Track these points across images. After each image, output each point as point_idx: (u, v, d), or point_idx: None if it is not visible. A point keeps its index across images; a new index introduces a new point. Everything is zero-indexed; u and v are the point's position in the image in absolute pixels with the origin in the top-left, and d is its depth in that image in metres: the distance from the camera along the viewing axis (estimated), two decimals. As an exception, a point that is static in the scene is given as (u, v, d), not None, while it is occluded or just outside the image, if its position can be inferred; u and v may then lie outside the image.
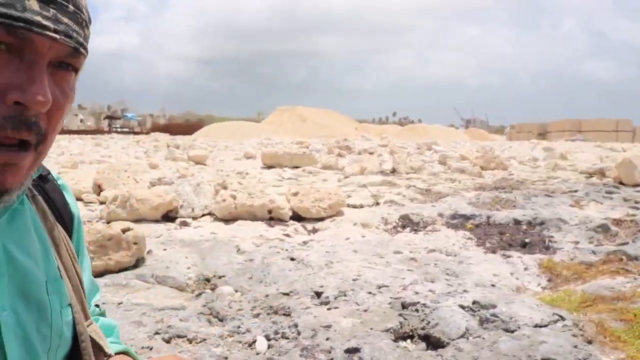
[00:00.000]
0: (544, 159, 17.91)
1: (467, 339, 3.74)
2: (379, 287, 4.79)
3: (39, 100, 0.69)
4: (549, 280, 5.24)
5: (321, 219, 7.46)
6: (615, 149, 21.95)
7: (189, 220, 7.34)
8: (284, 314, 4.27)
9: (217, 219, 7.40)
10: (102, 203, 8.01)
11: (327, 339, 3.72)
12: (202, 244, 6.15)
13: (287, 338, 3.87)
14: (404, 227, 7.18)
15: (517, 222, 7.11)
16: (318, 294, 4.69)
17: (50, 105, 0.71)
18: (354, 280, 4.97)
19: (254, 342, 3.84)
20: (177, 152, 15.82)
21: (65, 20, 0.71)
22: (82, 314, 0.92)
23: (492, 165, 14.51)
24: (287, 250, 6.00)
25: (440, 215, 7.46)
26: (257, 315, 4.31)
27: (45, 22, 0.68)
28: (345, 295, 4.60)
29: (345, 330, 3.84)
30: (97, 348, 0.93)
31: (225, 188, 7.73)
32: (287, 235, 6.85)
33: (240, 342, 3.87)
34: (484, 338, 3.74)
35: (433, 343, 3.79)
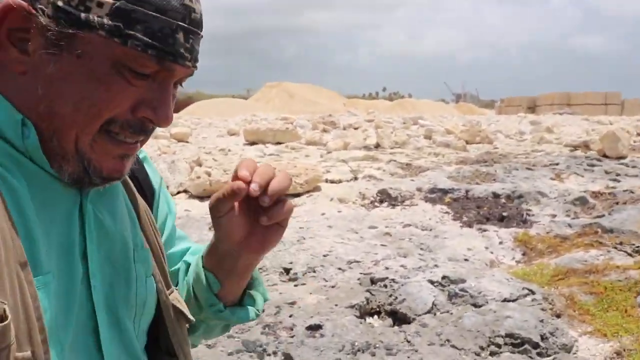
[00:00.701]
0: (530, 133, 17.84)
1: (435, 314, 3.68)
2: (350, 263, 4.71)
3: (168, 121, 0.78)
4: (523, 254, 5.18)
5: (298, 195, 7.35)
6: (602, 122, 21.88)
7: (164, 197, 7.22)
8: (250, 292, 4.18)
9: (192, 196, 7.28)
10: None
11: (291, 316, 3.64)
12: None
13: (252, 316, 3.79)
14: (381, 201, 7.09)
15: (496, 196, 7.03)
16: (287, 270, 4.61)
17: None
18: (324, 256, 4.89)
19: (218, 320, 3.77)
20: (159, 130, 15.59)
21: (197, 47, 0.78)
22: (164, 283, 0.94)
23: (477, 139, 14.41)
24: (260, 226, 5.90)
25: (419, 189, 7.37)
26: (223, 293, 4.23)
27: (186, 54, 0.75)
28: (314, 272, 4.52)
29: (309, 307, 3.76)
30: (180, 314, 0.94)
31: (200, 165, 7.59)
32: (263, 211, 6.75)
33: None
34: (451, 313, 3.68)
35: (400, 319, 3.72)
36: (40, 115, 0.75)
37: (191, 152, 12.41)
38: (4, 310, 0.64)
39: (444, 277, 4.15)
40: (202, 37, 0.80)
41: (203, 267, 0.96)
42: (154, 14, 0.72)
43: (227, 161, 7.78)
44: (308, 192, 7.43)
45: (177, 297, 0.96)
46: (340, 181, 8.10)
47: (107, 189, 0.86)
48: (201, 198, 7.15)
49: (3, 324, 0.64)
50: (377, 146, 13.04)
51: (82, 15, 0.71)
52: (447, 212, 6.43)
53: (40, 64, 0.73)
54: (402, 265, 4.61)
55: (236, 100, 49.67)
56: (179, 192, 7.46)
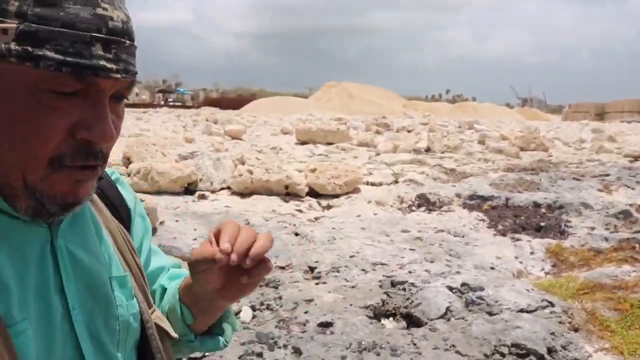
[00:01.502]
0: (590, 141, 17.30)
1: (449, 320, 3.72)
2: (375, 265, 4.79)
3: (106, 138, 0.75)
4: (553, 266, 5.11)
5: (337, 196, 7.47)
6: (671, 133, 20.95)
7: (207, 193, 7.48)
8: (273, 287, 4.33)
9: (234, 193, 7.51)
10: (128, 175, 8.25)
11: (306, 312, 3.77)
12: (213, 217, 6.28)
13: (271, 309, 3.94)
14: (419, 206, 7.12)
15: (537, 205, 6.93)
16: (312, 269, 4.73)
17: None
18: (351, 257, 4.99)
19: (240, 311, 3.93)
20: (214, 127, 16.06)
21: (124, 56, 0.74)
22: (146, 302, 0.96)
23: (532, 146, 14.12)
24: (294, 225, 6.05)
25: (458, 195, 7.34)
26: (249, 287, 4.39)
27: (108, 65, 0.72)
28: (337, 272, 4.63)
29: (325, 305, 3.87)
30: (163, 333, 0.97)
31: (243, 163, 7.82)
32: (300, 210, 6.90)
33: (226, 312, 3.96)
34: (466, 320, 3.71)
35: (414, 322, 3.78)
36: None
37: (243, 149, 12.74)
38: None
39: (463, 284, 4.18)
40: (130, 44, 0.76)
41: (179, 299, 1.02)
42: (61, 29, 0.68)
43: (269, 160, 7.98)
44: (347, 193, 7.54)
45: (158, 316, 0.99)
46: (380, 184, 8.17)
47: (76, 220, 0.87)
48: (242, 195, 7.38)
49: None
50: (428, 150, 12.99)
51: None
52: (482, 220, 6.40)
53: None
54: (426, 270, 4.66)
55: (296, 99, 50.21)
56: (222, 189, 7.71)
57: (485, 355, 3.20)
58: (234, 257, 0.83)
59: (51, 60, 0.68)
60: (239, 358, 3.17)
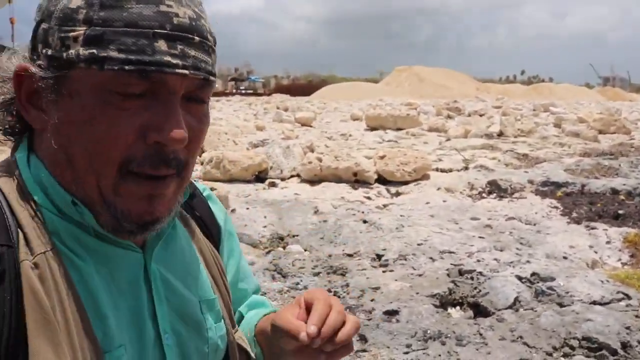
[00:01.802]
0: (679, 123, 16.32)
1: (517, 310, 3.67)
2: (442, 253, 4.78)
3: (176, 138, 0.72)
4: (631, 256, 4.91)
5: (406, 183, 7.45)
6: None
7: (278, 181, 7.64)
8: (340, 274, 4.41)
9: (303, 180, 7.63)
10: (201, 164, 8.54)
11: (372, 300, 3.82)
12: (283, 204, 6.42)
13: (339, 296, 4.02)
14: (489, 192, 6.99)
15: (615, 192, 6.65)
16: (379, 257, 4.78)
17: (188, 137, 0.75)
18: (418, 245, 4.99)
19: (308, 299, 4.03)
20: (285, 115, 16.30)
21: (192, 52, 0.72)
22: (230, 323, 0.97)
23: (612, 129, 13.48)
24: (363, 212, 6.10)
25: (531, 182, 7.16)
26: (317, 274, 4.49)
27: (174, 61, 0.70)
28: (405, 259, 4.65)
29: (391, 293, 3.91)
30: (244, 353, 0.98)
31: (312, 151, 7.93)
32: (369, 197, 6.93)
33: (294, 297, 4.07)
34: (535, 310, 3.65)
35: (481, 312, 3.75)
36: (63, 170, 0.76)
37: (313, 136, 12.88)
38: None
39: (533, 274, 4.10)
40: (200, 41, 0.74)
41: (254, 336, 1.03)
42: (125, 29, 0.69)
43: (338, 148, 8.04)
44: (416, 180, 7.51)
45: (240, 336, 0.99)
46: (450, 170, 8.07)
47: (169, 244, 0.88)
48: (311, 182, 7.49)
49: None
50: (500, 134, 12.68)
51: (64, 54, 0.71)
52: (556, 207, 6.21)
53: (50, 116, 0.74)
54: (495, 259, 4.60)
55: (366, 84, 49.97)
56: (291, 176, 7.85)
57: (554, 348, 3.15)
58: (317, 342, 0.81)
59: (115, 60, 0.68)
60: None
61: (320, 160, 7.53)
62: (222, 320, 0.95)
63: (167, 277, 0.86)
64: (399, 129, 14.06)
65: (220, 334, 0.93)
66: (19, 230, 0.72)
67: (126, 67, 0.68)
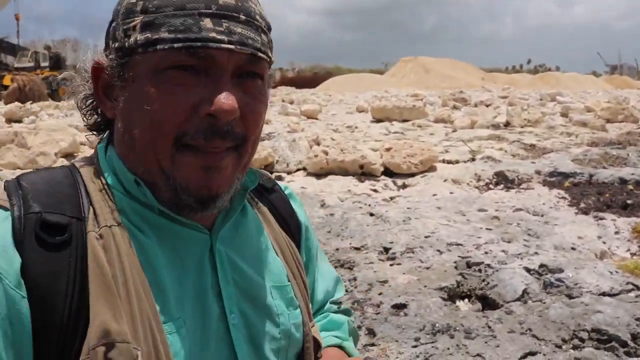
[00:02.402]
0: (687, 111, 16.16)
1: (526, 302, 3.66)
2: (450, 245, 4.76)
3: (225, 109, 0.76)
4: (640, 246, 4.89)
5: (412, 175, 7.43)
6: None
7: (284, 175, 7.64)
8: (348, 268, 4.41)
9: (309, 174, 7.63)
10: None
11: (380, 294, 3.82)
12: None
13: (346, 291, 4.02)
14: (497, 184, 6.97)
15: (623, 182, 6.61)
16: (386, 250, 4.77)
17: (240, 111, 0.79)
18: (426, 237, 4.98)
19: (315, 293, 4.04)
20: (290, 107, 16.28)
21: (239, 30, 0.77)
22: (307, 316, 0.97)
23: (620, 118, 13.39)
24: (369, 205, 6.09)
25: (538, 172, 7.12)
26: (324, 268, 4.49)
27: (219, 37, 0.75)
28: (412, 252, 4.64)
29: (399, 287, 3.91)
30: (318, 347, 0.99)
31: (318, 144, 7.92)
32: (375, 190, 6.92)
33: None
34: (544, 302, 3.64)
35: (489, 304, 3.75)
36: (128, 153, 0.83)
37: (319, 128, 12.86)
38: (138, 356, 0.72)
39: (541, 266, 4.09)
40: (247, 19, 0.79)
41: None
42: (173, 12, 0.75)
43: (344, 140, 8.03)
44: (422, 172, 7.49)
45: (316, 330, 1.01)
46: (457, 162, 8.04)
47: (239, 229, 0.92)
48: (318, 176, 7.49)
49: None
50: (507, 124, 12.62)
51: (126, 43, 0.78)
52: (563, 198, 6.18)
53: (119, 103, 0.82)
54: (503, 251, 4.59)
55: (371, 75, 49.78)
56: (297, 170, 7.85)
57: (563, 340, 3.14)
58: None
59: (165, 40, 0.75)
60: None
61: (326, 153, 7.52)
62: (299, 309, 0.95)
63: (234, 260, 0.89)
64: (404, 121, 14.02)
65: (295, 321, 0.94)
66: (90, 206, 0.80)
67: (175, 45, 0.74)
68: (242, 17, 0.78)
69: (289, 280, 0.96)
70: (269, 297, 0.91)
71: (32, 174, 0.85)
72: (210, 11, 0.75)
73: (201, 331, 0.82)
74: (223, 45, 0.75)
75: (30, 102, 20.89)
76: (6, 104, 21.82)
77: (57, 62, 35.00)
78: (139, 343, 0.73)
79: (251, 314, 0.88)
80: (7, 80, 28.57)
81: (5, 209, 0.76)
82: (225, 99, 0.76)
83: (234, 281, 0.87)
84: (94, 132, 0.92)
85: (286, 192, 1.09)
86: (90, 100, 0.89)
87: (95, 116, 0.90)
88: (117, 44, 0.79)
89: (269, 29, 0.85)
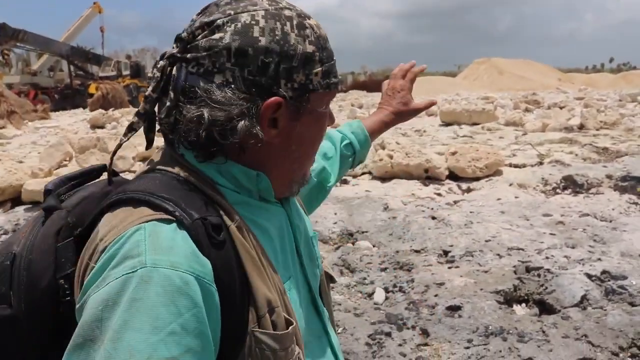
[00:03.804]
0: None
1: (584, 309, 3.63)
2: (510, 250, 4.75)
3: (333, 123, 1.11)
4: None
5: (477, 179, 7.38)
6: None
7: (349, 178, 7.77)
8: (407, 270, 4.50)
9: (374, 177, 7.72)
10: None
11: (435, 295, 3.89)
12: (353, 201, 6.55)
13: (403, 292, 4.11)
14: (564, 188, 6.81)
15: (702, 187, 6.31)
16: (445, 253, 4.82)
17: None
18: (486, 241, 4.98)
19: (373, 293, 4.15)
20: (359, 112, 16.37)
21: None
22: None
23: None
24: (432, 209, 6.13)
25: (609, 176, 6.91)
26: (384, 269, 4.60)
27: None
28: (471, 256, 4.67)
29: (455, 289, 3.96)
30: (329, 277, 1.26)
31: (383, 148, 7.99)
32: (439, 194, 6.93)
33: (361, 292, 4.20)
34: (604, 309, 3.59)
35: (547, 309, 3.74)
36: (276, 165, 1.02)
37: (387, 132, 12.88)
38: (281, 316, 0.92)
39: (603, 272, 4.03)
40: None
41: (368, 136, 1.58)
42: (333, 62, 1.02)
43: (410, 144, 8.07)
44: (488, 176, 7.42)
45: (325, 265, 1.25)
46: (524, 166, 7.91)
47: (292, 203, 1.14)
48: (382, 179, 7.57)
49: (293, 326, 0.92)
50: (581, 127, 12.19)
51: (310, 85, 0.97)
52: (635, 203, 5.98)
53: (290, 130, 0.99)
54: (565, 256, 4.53)
55: (443, 78, 49.06)
56: (363, 173, 7.96)
57: (621, 348, 3.11)
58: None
59: (335, 84, 1.02)
60: (369, 336, 3.39)
61: (391, 157, 7.59)
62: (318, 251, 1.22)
63: (298, 225, 1.12)
64: (474, 124, 13.81)
65: (320, 260, 1.20)
66: (214, 205, 0.93)
67: (339, 87, 1.04)
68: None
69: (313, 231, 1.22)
70: (315, 247, 1.18)
71: (142, 181, 0.93)
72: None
73: (298, 286, 1.05)
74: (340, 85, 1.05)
75: (112, 108, 22.07)
76: (91, 111, 23.13)
77: (137, 71, 36.73)
78: (278, 305, 0.92)
79: (309, 263, 1.13)
80: (92, 89, 30.19)
81: (168, 221, 0.84)
82: (333, 118, 1.11)
83: (302, 241, 1.12)
84: (203, 160, 0.97)
85: None
86: (243, 129, 0.93)
87: (209, 143, 0.93)
88: (295, 85, 0.95)
89: None
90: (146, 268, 0.77)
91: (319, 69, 0.97)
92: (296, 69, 0.94)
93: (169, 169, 0.96)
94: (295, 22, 0.95)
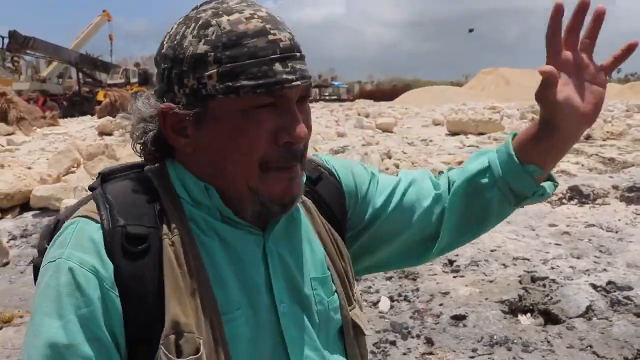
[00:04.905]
0: None
1: (590, 319, 3.63)
2: (515, 259, 4.76)
3: (302, 137, 0.90)
4: None
5: (483, 189, 7.39)
6: None
7: (355, 186, 7.80)
8: (412, 279, 4.51)
9: (380, 186, 7.74)
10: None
11: (440, 305, 3.89)
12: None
13: (408, 301, 4.12)
14: (570, 198, 6.82)
15: None
16: (451, 262, 4.82)
17: None
18: (492, 251, 4.99)
19: (378, 301, 4.16)
20: (366, 121, 16.39)
21: (298, 66, 0.89)
22: (346, 300, 1.06)
23: None
24: (437, 218, 6.14)
25: (615, 187, 6.91)
26: (389, 278, 4.61)
27: (289, 77, 0.87)
28: (476, 265, 4.67)
29: (460, 298, 3.97)
30: (357, 329, 1.08)
31: (389, 157, 8.03)
32: (445, 203, 6.94)
33: (366, 300, 4.21)
34: (609, 320, 3.59)
35: (552, 319, 3.74)
36: (215, 177, 0.94)
37: (394, 142, 12.92)
38: (200, 344, 0.85)
39: (609, 283, 4.03)
40: (300, 55, 0.91)
41: (520, 164, 1.04)
42: (248, 61, 0.86)
43: (416, 154, 8.10)
44: (494, 186, 7.42)
45: (356, 313, 1.08)
46: (530, 176, 7.91)
47: (289, 227, 1.02)
48: (388, 188, 7.59)
49: (197, 356, 0.85)
50: (587, 137, 12.19)
51: (203, 91, 0.88)
52: (641, 214, 5.99)
53: (197, 140, 0.92)
54: (570, 266, 4.53)
55: (450, 87, 49.08)
56: (368, 182, 7.99)
57: (626, 359, 3.11)
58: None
59: (247, 87, 0.86)
60: (374, 345, 3.40)
61: (397, 166, 7.63)
62: (336, 294, 1.04)
63: (283, 256, 0.99)
64: (480, 134, 13.84)
65: (333, 306, 1.04)
66: (164, 216, 0.93)
67: (257, 91, 0.86)
68: (297, 53, 0.90)
69: (328, 269, 1.06)
70: (309, 289, 1.02)
71: (116, 184, 0.99)
72: (277, 55, 0.87)
73: (256, 319, 0.94)
74: (293, 84, 0.87)
75: (121, 116, 22.11)
76: (99, 118, 23.27)
77: (145, 78, 36.87)
78: (201, 333, 0.86)
79: (296, 304, 0.99)
80: (100, 96, 30.35)
81: (97, 221, 0.91)
82: (301, 128, 0.89)
83: (283, 275, 0.98)
84: (149, 163, 1.03)
85: (329, 165, 1.17)
86: (152, 137, 0.98)
87: (152, 149, 0.99)
88: (187, 90, 0.89)
89: None
90: (62, 260, 0.87)
91: (213, 71, 0.87)
92: (186, 73, 0.89)
93: (148, 173, 1.00)
94: (200, 22, 0.89)
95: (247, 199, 0.93)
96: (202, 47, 0.87)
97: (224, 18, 0.88)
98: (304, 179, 1.02)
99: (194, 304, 0.88)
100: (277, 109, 0.89)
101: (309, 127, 0.95)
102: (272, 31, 0.88)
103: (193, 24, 0.89)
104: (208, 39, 0.87)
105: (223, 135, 0.90)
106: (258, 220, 0.96)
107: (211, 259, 0.93)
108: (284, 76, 0.87)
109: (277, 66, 0.86)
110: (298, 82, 0.88)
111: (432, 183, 1.19)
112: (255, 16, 0.89)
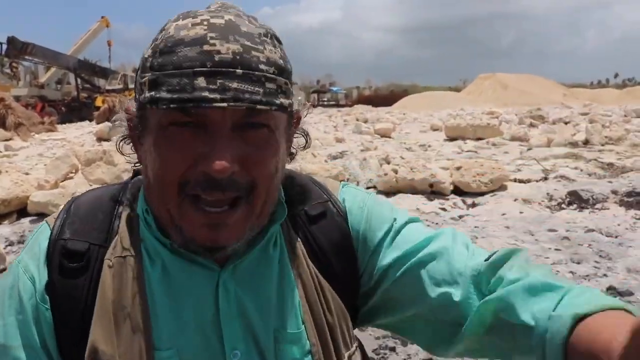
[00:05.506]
0: None
1: (590, 324, 3.61)
2: (515, 265, 4.74)
3: (217, 169, 0.75)
4: None
5: (482, 194, 7.39)
6: None
7: (353, 192, 7.78)
8: (411, 285, 4.48)
9: (379, 192, 7.73)
10: (280, 174, 8.81)
11: (440, 311, 3.87)
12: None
13: (408, 307, 4.10)
14: (569, 203, 6.81)
15: None
16: (450, 268, 4.80)
17: (242, 162, 0.79)
18: (491, 256, 4.97)
19: (378, 308, 4.14)
20: (364, 126, 16.46)
21: (234, 85, 0.74)
22: (325, 353, 0.92)
23: None
24: (437, 224, 6.13)
25: (615, 192, 6.90)
26: (388, 284, 4.59)
27: (211, 95, 0.73)
28: (476, 271, 4.65)
29: (460, 305, 3.94)
30: None
31: (388, 162, 8.02)
32: (444, 209, 6.93)
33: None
34: (610, 325, 3.58)
35: (553, 325, 3.72)
36: (150, 199, 0.87)
37: (392, 147, 12.94)
38: None
39: (609, 288, 4.01)
40: (246, 73, 0.76)
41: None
42: (172, 71, 0.76)
43: (415, 159, 8.09)
44: (492, 191, 7.42)
45: None
46: (529, 181, 7.91)
47: (259, 266, 0.90)
48: (387, 194, 7.58)
49: None
50: (586, 143, 12.21)
51: (140, 97, 0.81)
52: (641, 219, 5.98)
53: (140, 152, 0.88)
54: (570, 272, 4.52)
55: (447, 93, 49.27)
56: (368, 188, 7.97)
57: (626, 362, 3.09)
58: None
59: (164, 99, 0.75)
60: (373, 351, 3.38)
61: (395, 172, 7.61)
62: (311, 356, 0.91)
63: (242, 299, 0.87)
64: (479, 139, 13.85)
65: None
66: (116, 234, 0.89)
67: (171, 106, 0.75)
68: (239, 71, 0.76)
69: (303, 324, 0.91)
70: (270, 341, 0.89)
71: (87, 194, 0.97)
72: (205, 69, 0.75)
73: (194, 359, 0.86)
74: (215, 104, 0.74)
75: (119, 122, 22.11)
76: (98, 123, 23.25)
77: (143, 84, 36.88)
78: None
79: (252, 352, 0.87)
80: (99, 102, 30.38)
81: (51, 229, 0.90)
82: (219, 160, 0.76)
83: (240, 320, 0.87)
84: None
85: (342, 203, 1.02)
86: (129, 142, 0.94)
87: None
88: (137, 95, 0.83)
89: (283, 71, 0.81)
90: (16, 262, 0.90)
91: (146, 78, 0.79)
92: (137, 78, 0.83)
93: (128, 186, 0.98)
94: (164, 26, 0.83)
95: (172, 229, 0.84)
96: (147, 52, 0.81)
97: (175, 22, 0.81)
98: (282, 215, 0.92)
99: (125, 331, 0.84)
100: (201, 131, 0.78)
101: (258, 163, 0.81)
102: (212, 41, 0.76)
103: (161, 28, 0.84)
104: (154, 44, 0.81)
105: (147, 150, 0.83)
106: (186, 250, 0.85)
107: (151, 289, 0.86)
108: (204, 94, 0.74)
109: (201, 81, 0.74)
110: (224, 104, 0.74)
111: (467, 267, 0.93)
112: (206, 23, 0.78)
